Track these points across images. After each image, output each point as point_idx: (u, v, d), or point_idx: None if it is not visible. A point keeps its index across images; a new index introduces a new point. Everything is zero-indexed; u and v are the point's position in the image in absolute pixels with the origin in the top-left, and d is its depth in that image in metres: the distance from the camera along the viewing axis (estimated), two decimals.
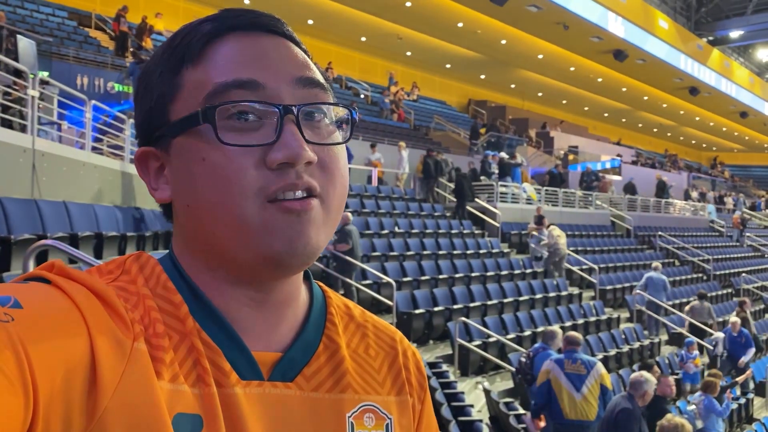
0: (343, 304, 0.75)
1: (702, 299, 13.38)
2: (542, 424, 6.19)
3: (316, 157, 0.63)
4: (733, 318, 12.11)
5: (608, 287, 14.38)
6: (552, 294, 12.22)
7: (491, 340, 9.14)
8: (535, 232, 14.14)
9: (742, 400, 9.84)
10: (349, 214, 10.37)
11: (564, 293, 12.68)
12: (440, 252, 12.01)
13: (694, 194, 29.46)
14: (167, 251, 0.69)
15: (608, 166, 29.05)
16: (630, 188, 23.74)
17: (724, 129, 43.49)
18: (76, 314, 0.55)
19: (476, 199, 15.57)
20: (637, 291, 13.49)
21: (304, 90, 0.65)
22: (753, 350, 11.64)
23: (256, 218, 0.61)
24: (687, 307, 13.43)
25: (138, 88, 0.69)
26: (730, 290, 18.71)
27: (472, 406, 6.85)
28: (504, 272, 12.29)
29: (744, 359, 11.26)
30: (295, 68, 0.65)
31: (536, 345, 7.50)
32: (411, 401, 0.74)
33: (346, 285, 9.10)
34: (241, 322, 0.65)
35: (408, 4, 22.83)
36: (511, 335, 9.69)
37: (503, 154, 18.95)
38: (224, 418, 0.59)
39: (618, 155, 31.53)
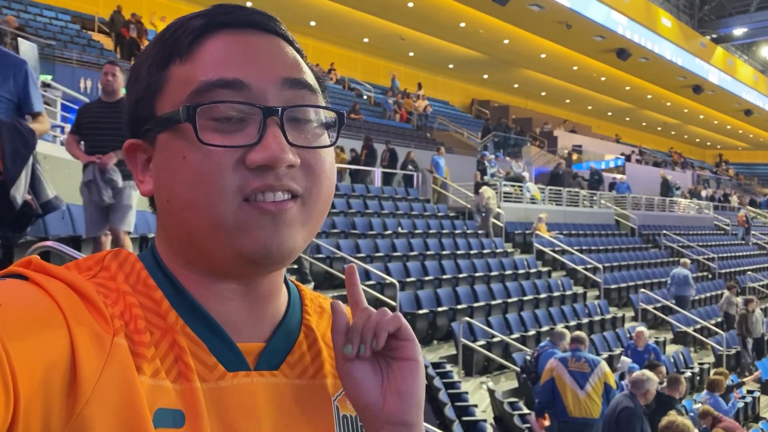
0: (314, 296, 0.77)
1: (728, 289, 14.76)
2: (546, 422, 6.18)
3: (298, 160, 0.63)
4: (639, 327, 9.47)
5: (613, 286, 14.33)
6: (556, 293, 12.18)
7: (495, 339, 9.13)
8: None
9: (749, 399, 9.80)
10: None
11: (568, 292, 12.65)
12: (444, 252, 11.98)
13: (704, 193, 29.36)
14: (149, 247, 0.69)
15: (612, 165, 29.00)
16: (668, 184, 23.98)
17: (729, 127, 43.37)
18: (55, 310, 0.55)
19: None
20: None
21: (291, 91, 0.64)
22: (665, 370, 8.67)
23: (231, 218, 0.61)
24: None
25: (128, 80, 0.69)
26: (735, 288, 18.61)
27: (476, 406, 6.84)
28: (508, 272, 12.26)
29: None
30: (284, 68, 0.65)
31: (542, 343, 7.50)
32: None
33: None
34: (223, 316, 0.65)
35: (410, 4, 22.84)
36: (516, 335, 9.67)
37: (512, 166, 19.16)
38: (212, 412, 0.60)
39: (622, 154, 31.47)
